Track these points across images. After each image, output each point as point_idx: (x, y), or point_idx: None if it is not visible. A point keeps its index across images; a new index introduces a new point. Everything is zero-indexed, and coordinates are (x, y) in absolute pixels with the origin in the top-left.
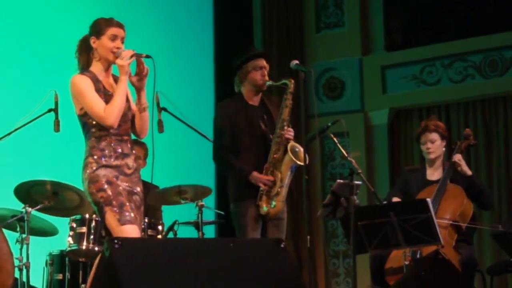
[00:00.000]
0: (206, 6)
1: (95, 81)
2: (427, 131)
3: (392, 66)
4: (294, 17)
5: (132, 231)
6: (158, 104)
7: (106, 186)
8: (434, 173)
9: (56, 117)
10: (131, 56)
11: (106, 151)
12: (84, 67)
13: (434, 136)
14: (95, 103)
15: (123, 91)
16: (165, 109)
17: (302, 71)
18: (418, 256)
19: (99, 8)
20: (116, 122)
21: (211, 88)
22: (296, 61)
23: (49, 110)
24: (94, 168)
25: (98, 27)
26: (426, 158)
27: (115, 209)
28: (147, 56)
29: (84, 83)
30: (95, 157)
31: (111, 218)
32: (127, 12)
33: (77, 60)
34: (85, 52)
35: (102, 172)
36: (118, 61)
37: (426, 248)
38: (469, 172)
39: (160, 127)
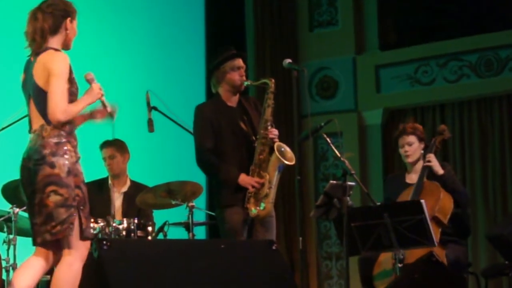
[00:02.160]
0: (198, 3)
1: (71, 69)
2: (404, 134)
3: (386, 65)
4: (287, 15)
5: (87, 248)
6: (148, 103)
7: (83, 185)
8: (413, 176)
9: None
10: (101, 95)
11: (76, 143)
12: (40, 46)
13: (412, 138)
14: (64, 94)
15: (83, 107)
16: (155, 108)
17: (295, 70)
18: (401, 257)
19: (89, 7)
20: (59, 124)
21: (202, 87)
22: (289, 60)
23: None
24: (74, 159)
25: (72, 9)
26: (405, 162)
27: (85, 216)
28: (110, 114)
29: (67, 68)
30: (73, 146)
31: (76, 223)
32: (118, 9)
33: (47, 32)
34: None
35: (80, 168)
36: (95, 85)
37: (411, 252)
38: (441, 171)
39: (150, 126)
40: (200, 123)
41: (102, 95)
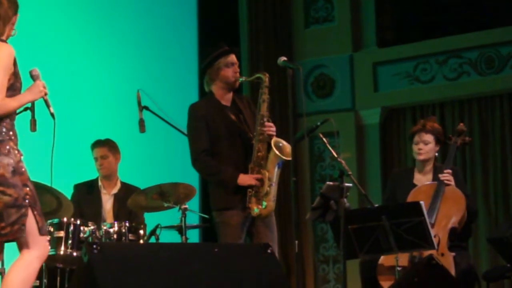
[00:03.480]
0: (190, 0)
1: (15, 62)
2: (423, 131)
3: (384, 63)
4: (281, 11)
5: (46, 248)
6: (139, 103)
7: (29, 183)
8: (422, 179)
9: (33, 116)
10: (45, 94)
11: (17, 140)
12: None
13: (429, 138)
14: (2, 88)
15: (23, 104)
16: (146, 108)
17: (290, 68)
18: (417, 260)
19: (79, 3)
20: None
21: (194, 86)
22: (284, 58)
23: (25, 109)
24: (18, 157)
25: (17, 3)
26: (416, 159)
27: (38, 214)
28: (51, 114)
29: (11, 62)
30: (15, 144)
31: (32, 222)
32: (108, 7)
33: (8, 21)
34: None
35: (24, 165)
36: (39, 82)
37: (426, 252)
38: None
39: (142, 126)
40: (195, 123)
41: (45, 93)
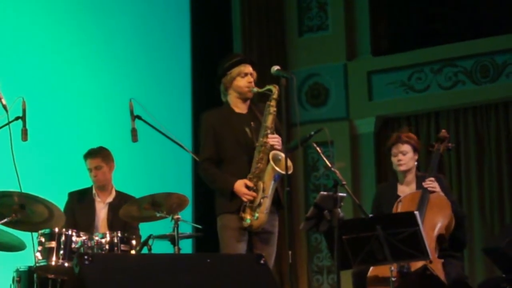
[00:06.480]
0: (183, 9)
1: None
2: (399, 143)
3: (378, 71)
4: (275, 20)
5: None
6: (131, 112)
7: None
8: (406, 189)
9: (24, 126)
10: None
11: None
12: None
13: (406, 148)
14: None
15: None
16: (139, 117)
17: (283, 77)
18: (405, 270)
19: (71, 12)
20: None
21: (187, 95)
22: (277, 67)
23: (16, 118)
24: None
25: None
26: (397, 171)
27: None
28: (3, 105)
29: None
30: None
31: None
32: (103, 16)
33: None
34: None
35: None
36: None
37: (414, 263)
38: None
39: (134, 136)
40: (203, 131)
41: None
